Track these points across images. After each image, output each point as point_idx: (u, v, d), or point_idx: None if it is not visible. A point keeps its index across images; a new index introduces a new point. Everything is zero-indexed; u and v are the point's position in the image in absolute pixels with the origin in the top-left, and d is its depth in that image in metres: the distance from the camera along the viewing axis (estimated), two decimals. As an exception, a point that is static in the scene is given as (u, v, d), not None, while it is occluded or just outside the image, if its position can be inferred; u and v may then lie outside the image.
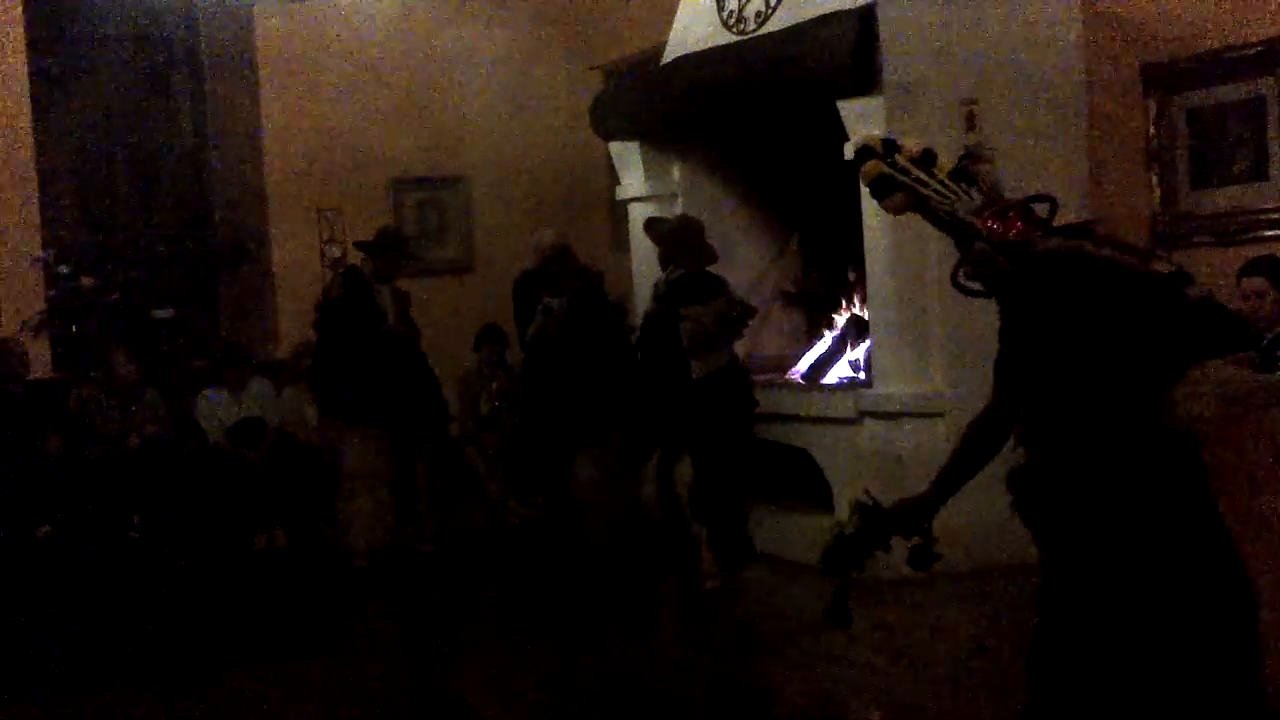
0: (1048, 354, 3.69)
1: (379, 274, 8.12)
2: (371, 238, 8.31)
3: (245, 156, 10.31)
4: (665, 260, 7.44)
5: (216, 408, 8.55)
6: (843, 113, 7.31)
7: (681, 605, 7.19)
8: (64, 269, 9.39)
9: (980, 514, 4.18)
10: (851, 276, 8.40)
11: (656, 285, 7.53)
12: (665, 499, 7.44)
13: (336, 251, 9.77)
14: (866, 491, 4.01)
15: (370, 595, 7.42)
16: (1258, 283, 5.89)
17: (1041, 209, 3.82)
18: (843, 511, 5.40)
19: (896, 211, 3.86)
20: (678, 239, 7.41)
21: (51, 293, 9.32)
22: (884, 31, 7.12)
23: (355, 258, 8.75)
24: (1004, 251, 3.77)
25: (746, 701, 5.51)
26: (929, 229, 7.38)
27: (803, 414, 7.73)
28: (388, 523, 8.00)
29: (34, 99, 9.46)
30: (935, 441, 6.84)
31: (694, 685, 5.77)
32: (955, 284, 3.92)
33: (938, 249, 7.27)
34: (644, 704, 5.55)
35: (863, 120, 7.21)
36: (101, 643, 6.55)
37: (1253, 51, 6.82)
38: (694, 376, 7.08)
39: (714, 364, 7.12)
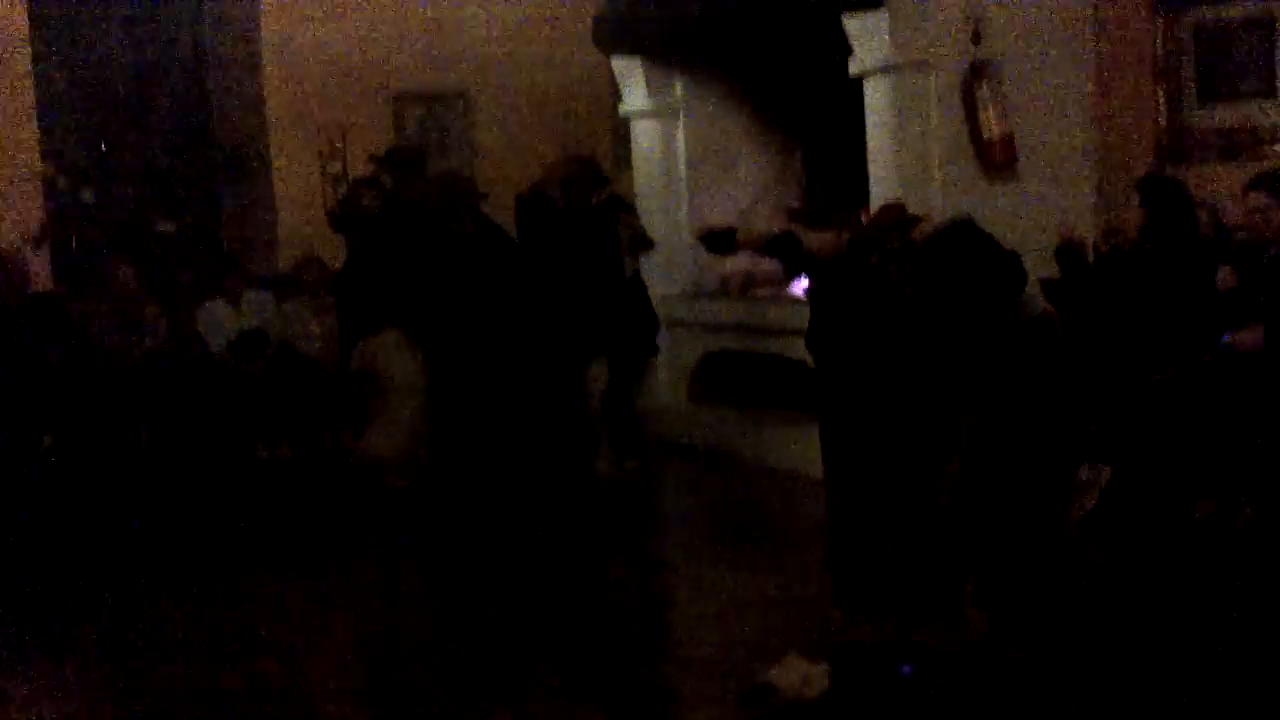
0: None
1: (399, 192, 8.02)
2: (382, 154, 8.25)
3: (245, 71, 10.23)
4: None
5: (218, 320, 8.56)
6: (848, 27, 7.26)
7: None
8: (63, 183, 9.37)
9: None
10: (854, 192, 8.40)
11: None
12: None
13: (337, 167, 9.72)
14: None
15: (391, 511, 7.42)
16: (1262, 198, 5.90)
17: None
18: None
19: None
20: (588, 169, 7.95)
21: (51, 207, 9.31)
22: (890, -57, 7.08)
23: (358, 172, 8.73)
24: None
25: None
26: (933, 144, 7.46)
27: (803, 327, 7.73)
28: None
29: (31, 13, 9.38)
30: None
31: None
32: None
33: (941, 163, 7.28)
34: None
35: (868, 34, 7.17)
36: (114, 550, 6.60)
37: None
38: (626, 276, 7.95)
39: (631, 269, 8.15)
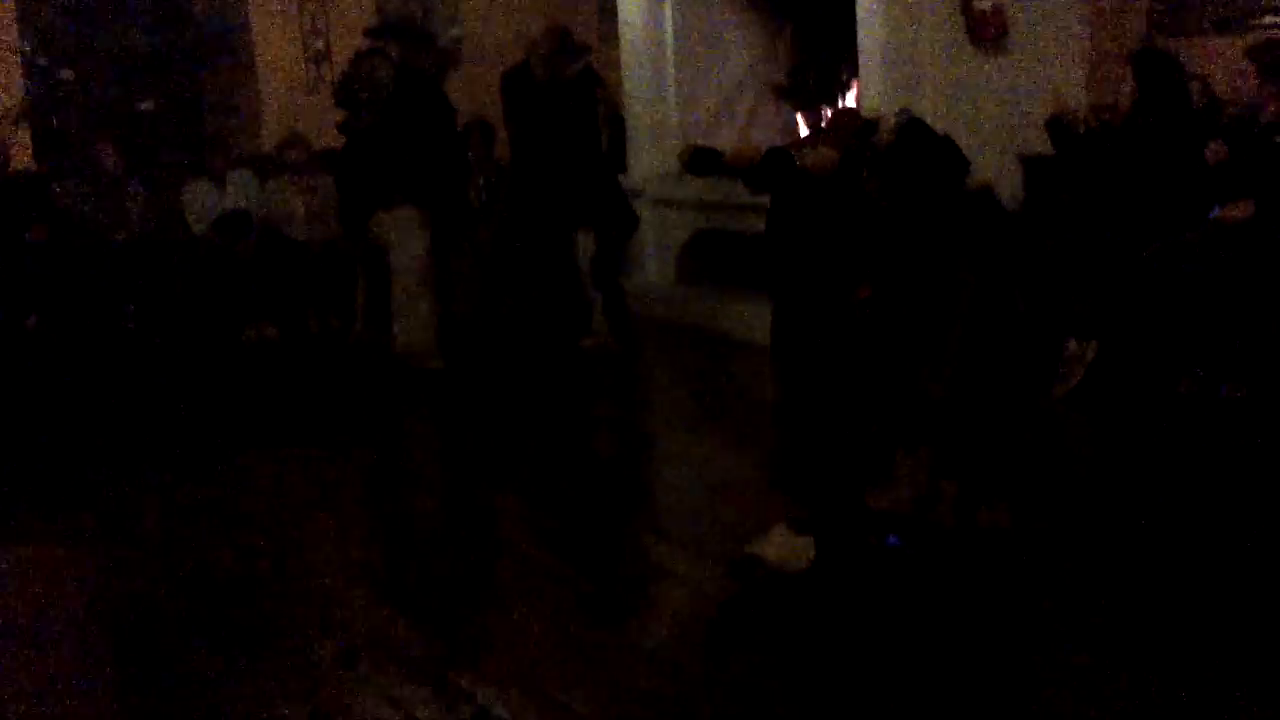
0: None
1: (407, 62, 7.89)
2: (378, 25, 8.14)
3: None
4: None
5: (201, 200, 8.50)
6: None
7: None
8: (43, 61, 9.25)
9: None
10: (844, 69, 8.29)
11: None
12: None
13: (319, 44, 9.60)
14: None
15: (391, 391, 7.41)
16: (1251, 70, 5.90)
17: None
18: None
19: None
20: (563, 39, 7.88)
21: (31, 86, 9.20)
22: None
23: (341, 49, 8.62)
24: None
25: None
26: (923, 17, 7.36)
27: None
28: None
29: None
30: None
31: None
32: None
33: (930, 42, 7.18)
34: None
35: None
36: (102, 431, 6.61)
37: None
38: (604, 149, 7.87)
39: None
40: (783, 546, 4.33)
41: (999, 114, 7.18)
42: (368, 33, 8.23)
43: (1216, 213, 5.73)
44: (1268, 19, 6.69)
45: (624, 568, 4.69)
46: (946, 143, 4.68)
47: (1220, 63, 6.58)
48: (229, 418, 6.85)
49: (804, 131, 6.03)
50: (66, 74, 9.31)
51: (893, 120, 4.82)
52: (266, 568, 4.78)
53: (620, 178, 9.04)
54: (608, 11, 9.85)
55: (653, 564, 4.73)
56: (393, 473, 6.01)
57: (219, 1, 10.16)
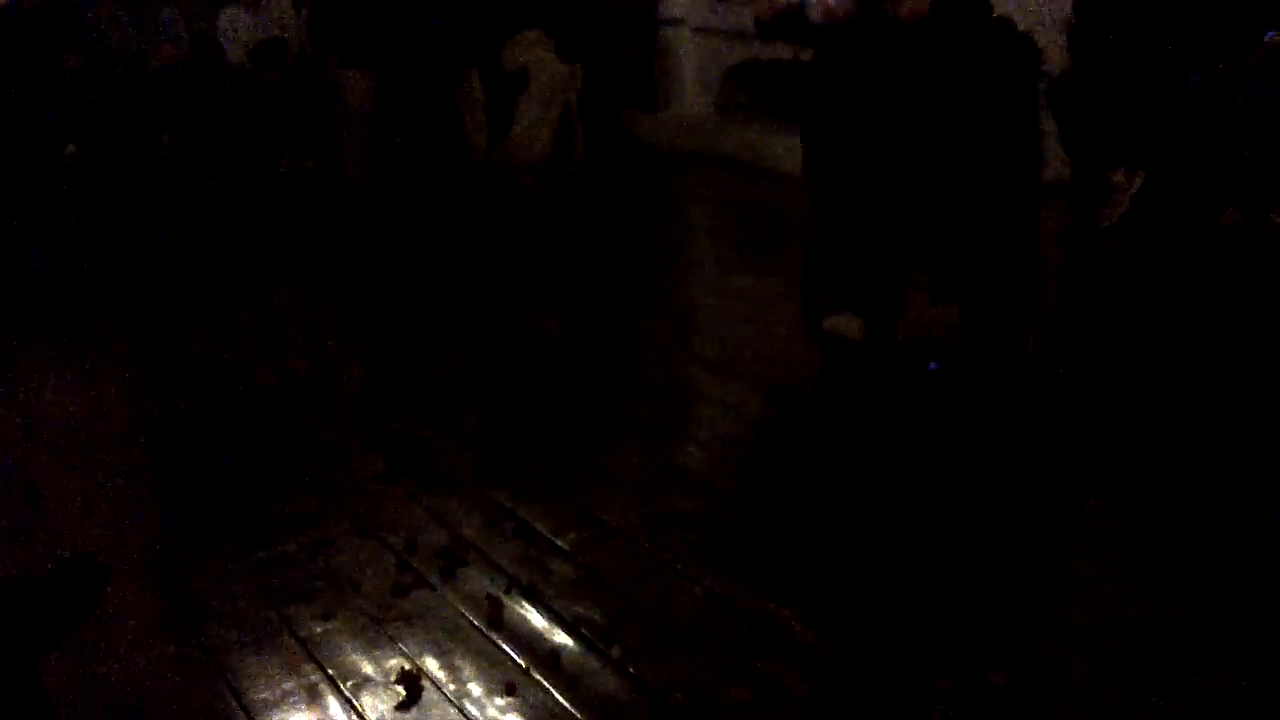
0: None
1: None
2: None
3: None
4: None
5: (237, 27, 8.39)
6: None
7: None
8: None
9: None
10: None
11: None
12: None
13: None
14: None
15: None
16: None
17: None
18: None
19: None
20: None
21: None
22: None
23: None
24: None
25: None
26: None
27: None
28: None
29: None
30: None
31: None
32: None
33: None
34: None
35: None
36: (145, 257, 6.63)
37: None
38: None
39: None
40: (853, 325, 4.35)
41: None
42: None
43: (1272, 36, 5.57)
44: None
45: (661, 391, 4.71)
46: None
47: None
48: (267, 247, 6.85)
49: None
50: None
51: None
52: (309, 389, 4.83)
53: (659, 3, 8.91)
54: None
55: (690, 388, 4.76)
56: (429, 297, 6.02)
57: None
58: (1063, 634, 3.00)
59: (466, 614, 3.21)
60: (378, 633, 3.15)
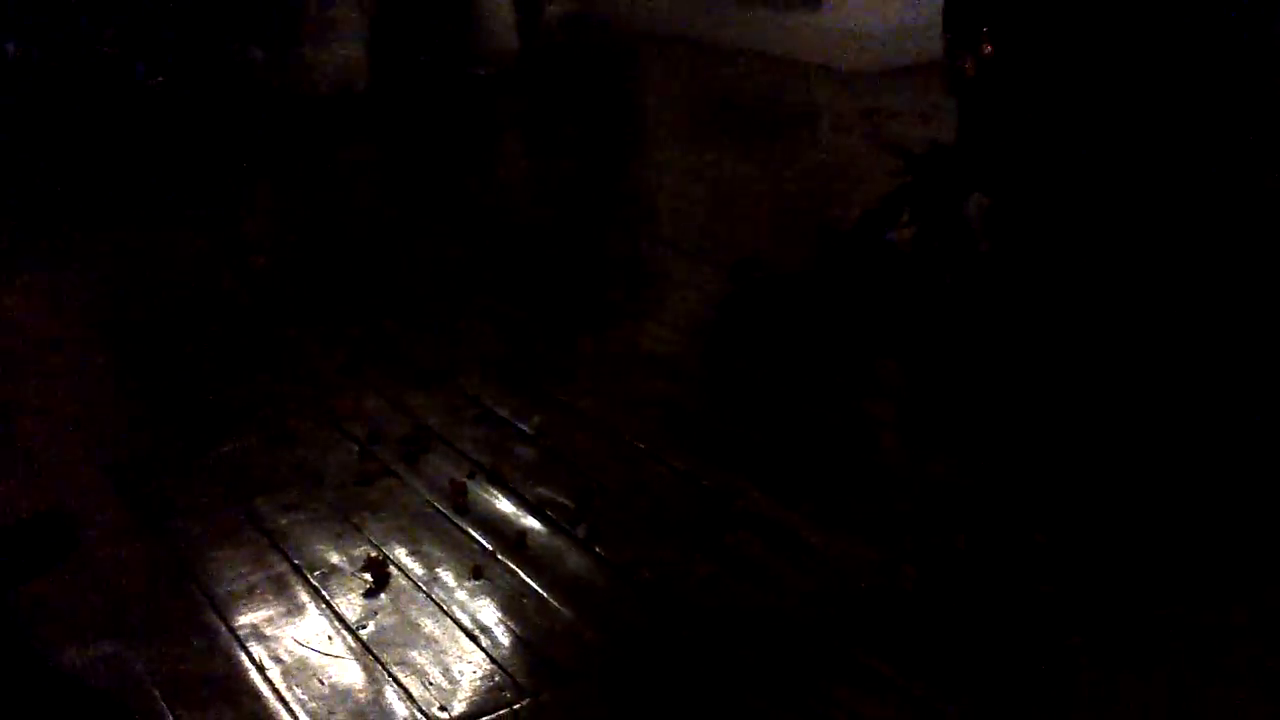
0: None
1: None
2: None
3: None
4: None
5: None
6: None
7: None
8: None
9: None
10: None
11: None
12: None
13: None
14: None
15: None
16: None
17: None
18: None
19: None
20: None
21: None
22: None
23: None
24: None
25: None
26: None
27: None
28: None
29: None
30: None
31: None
32: None
33: None
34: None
35: None
36: (100, 158, 6.51)
37: None
38: None
39: None
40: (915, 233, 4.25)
41: None
42: None
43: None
44: None
45: (625, 274, 4.68)
46: None
47: None
48: (222, 142, 6.73)
49: None
50: None
51: None
52: (270, 288, 4.78)
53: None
54: None
55: (653, 270, 4.73)
56: (388, 191, 5.95)
57: None
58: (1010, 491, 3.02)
59: (431, 500, 3.21)
60: (343, 522, 3.15)
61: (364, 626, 2.76)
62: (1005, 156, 4.12)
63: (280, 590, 2.91)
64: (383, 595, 2.86)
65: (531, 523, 3.09)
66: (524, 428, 3.54)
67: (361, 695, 2.56)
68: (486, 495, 3.22)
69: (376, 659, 2.65)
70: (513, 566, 2.92)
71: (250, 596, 2.90)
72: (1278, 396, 3.30)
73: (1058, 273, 3.79)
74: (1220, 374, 3.37)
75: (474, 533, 3.06)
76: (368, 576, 2.91)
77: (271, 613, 2.83)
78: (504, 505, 3.17)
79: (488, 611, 2.78)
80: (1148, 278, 3.50)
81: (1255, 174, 3.48)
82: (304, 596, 2.88)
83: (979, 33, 4.16)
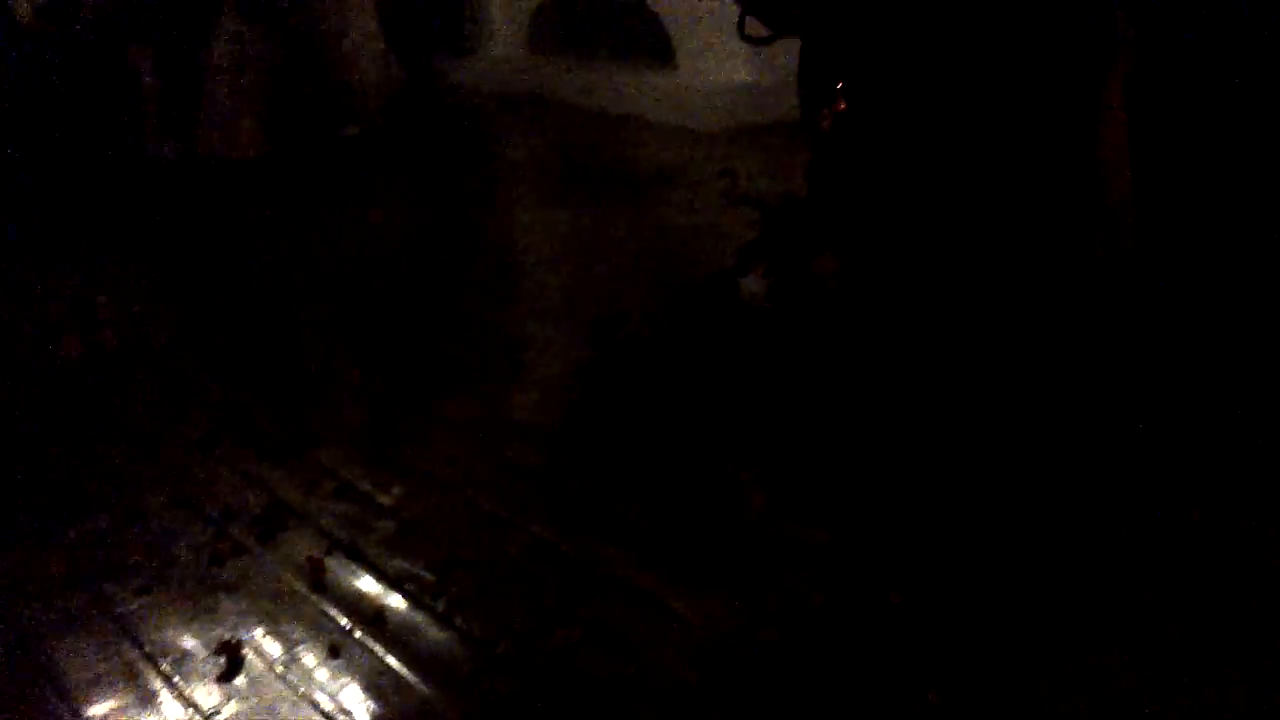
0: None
1: None
2: None
3: None
4: None
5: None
6: None
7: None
8: None
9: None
10: None
11: None
12: None
13: None
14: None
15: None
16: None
17: None
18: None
19: None
20: None
21: None
22: None
23: None
24: None
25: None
26: None
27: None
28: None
29: None
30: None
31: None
32: (743, 37, 3.79)
33: None
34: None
35: None
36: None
37: None
38: None
39: None
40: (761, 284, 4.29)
41: None
42: None
43: None
44: None
45: (485, 337, 4.66)
46: None
47: None
48: (77, 210, 6.59)
49: None
50: None
51: None
52: (117, 357, 4.68)
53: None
54: None
55: (514, 332, 4.71)
56: (246, 256, 5.86)
57: None
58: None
59: (287, 579, 3.15)
60: (196, 605, 3.07)
61: (218, 714, 2.69)
62: (857, 215, 4.18)
63: (131, 678, 2.83)
64: (238, 680, 2.79)
65: (391, 598, 3.04)
66: (383, 500, 3.50)
67: (215, 785, 2.49)
68: (345, 571, 3.17)
69: (231, 746, 2.59)
70: (372, 644, 2.87)
71: (99, 685, 2.81)
72: (1126, 463, 3.38)
73: (909, 330, 3.84)
74: (1080, 434, 3.44)
75: (332, 611, 3.01)
76: (222, 661, 2.84)
77: (122, 702, 2.75)
78: (363, 581, 3.12)
79: (347, 692, 2.73)
80: (992, 337, 3.57)
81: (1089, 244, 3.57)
82: (156, 684, 2.81)
83: (834, 89, 4.24)
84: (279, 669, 2.81)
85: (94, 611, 3.08)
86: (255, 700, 2.72)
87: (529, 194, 6.76)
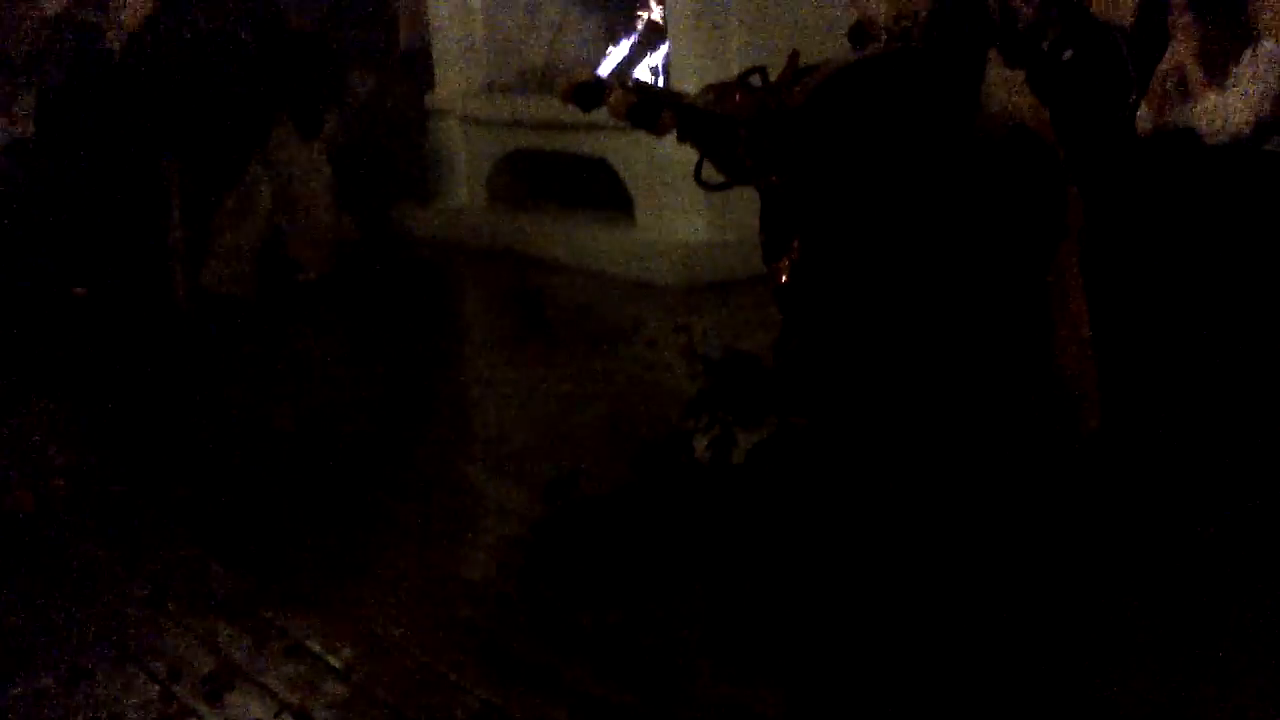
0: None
1: None
2: None
3: None
4: None
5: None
6: None
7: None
8: None
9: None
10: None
11: None
12: None
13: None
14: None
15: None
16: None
17: (754, 80, 3.82)
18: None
19: (663, 131, 3.87)
20: None
21: None
22: None
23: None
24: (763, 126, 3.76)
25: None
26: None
27: (603, 124, 7.63)
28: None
29: None
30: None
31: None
32: (699, 182, 3.92)
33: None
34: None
35: None
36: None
37: None
38: None
39: None
40: (714, 443, 4.31)
41: (812, 31, 7.19)
42: None
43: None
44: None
45: (439, 494, 4.66)
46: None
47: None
48: (30, 360, 6.58)
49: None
50: None
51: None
52: (67, 509, 4.64)
53: (428, 95, 8.98)
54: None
55: (468, 489, 4.72)
56: (199, 407, 5.86)
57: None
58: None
59: (235, 743, 3.12)
60: (141, 769, 3.03)
61: None
62: (821, 373, 4.24)
63: None
64: None
65: (338, 765, 3.01)
66: (333, 661, 3.47)
67: None
68: (292, 735, 3.13)
69: None
70: (317, 813, 2.84)
71: None
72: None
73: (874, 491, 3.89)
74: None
75: (278, 778, 2.97)
76: (164, 829, 2.80)
77: None
78: (310, 747, 3.09)
79: None
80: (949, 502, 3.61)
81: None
82: None
83: (791, 241, 4.32)
84: (222, 839, 2.77)
85: (35, 775, 3.03)
86: None
87: (486, 345, 6.82)
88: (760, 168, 3.89)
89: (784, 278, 4.28)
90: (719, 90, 3.93)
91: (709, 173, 3.98)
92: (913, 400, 3.83)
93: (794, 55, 3.86)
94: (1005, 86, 3.84)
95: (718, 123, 3.81)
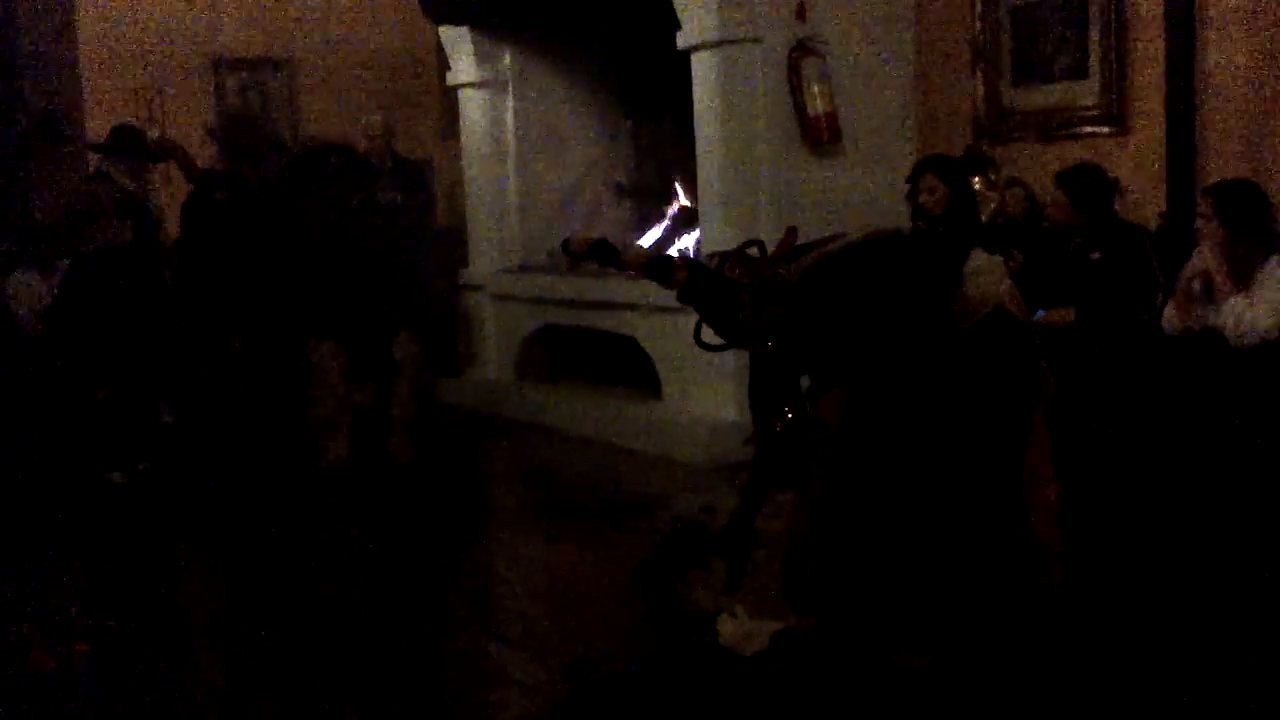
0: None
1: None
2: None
3: (58, 34, 9.89)
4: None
5: (27, 289, 8.25)
6: (676, 1, 7.29)
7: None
8: None
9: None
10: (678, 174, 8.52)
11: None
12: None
13: (155, 132, 9.46)
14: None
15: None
16: (1060, 195, 6.20)
17: (752, 251, 4.13)
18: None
19: (675, 286, 4.19)
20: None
21: None
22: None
23: (179, 137, 8.55)
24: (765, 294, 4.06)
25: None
26: (759, 119, 7.48)
27: (631, 303, 7.76)
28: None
29: None
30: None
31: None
32: (699, 343, 4.21)
33: (765, 138, 7.35)
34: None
35: (696, 8, 7.21)
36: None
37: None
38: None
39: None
40: (739, 629, 4.29)
41: (833, 215, 7.35)
42: (93, 148, 8.23)
43: (1040, 315, 5.92)
44: (1087, 129, 6.98)
45: (459, 672, 4.62)
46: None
47: (1042, 170, 6.84)
48: (48, 510, 6.61)
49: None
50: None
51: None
52: (85, 668, 4.62)
53: (462, 271, 9.12)
54: (450, 105, 9.91)
55: (488, 668, 4.68)
56: (222, 586, 5.86)
57: (51, 87, 9.94)
58: None
59: None
60: None
61: None
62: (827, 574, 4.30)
63: None
64: None
65: None
66: (350, 842, 3.42)
67: None
68: None
69: None
70: None
71: None
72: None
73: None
74: None
75: None
76: None
77: None
78: None
79: None
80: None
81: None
82: None
83: (781, 405, 4.44)
84: None
85: None
86: None
87: (510, 521, 6.81)
88: (759, 332, 4.09)
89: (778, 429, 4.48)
90: (721, 258, 4.17)
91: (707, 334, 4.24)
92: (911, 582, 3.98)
93: (791, 231, 4.20)
94: (987, 272, 4.23)
95: (726, 286, 4.03)
